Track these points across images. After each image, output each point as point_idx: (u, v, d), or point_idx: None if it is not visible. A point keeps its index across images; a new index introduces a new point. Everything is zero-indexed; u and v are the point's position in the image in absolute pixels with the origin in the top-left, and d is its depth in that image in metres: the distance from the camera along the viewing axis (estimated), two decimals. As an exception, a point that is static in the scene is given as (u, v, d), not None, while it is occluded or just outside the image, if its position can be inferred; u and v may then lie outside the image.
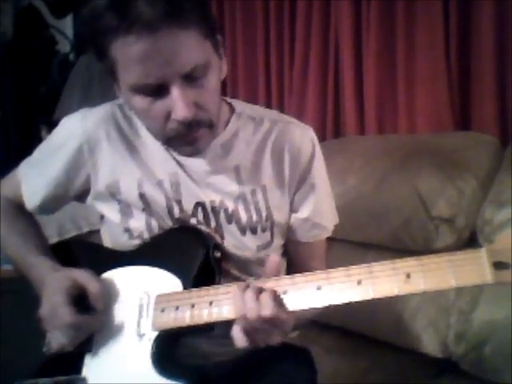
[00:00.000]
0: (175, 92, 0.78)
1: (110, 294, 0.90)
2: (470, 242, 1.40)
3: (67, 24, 2.89)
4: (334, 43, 1.95)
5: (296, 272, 0.96)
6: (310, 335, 1.24)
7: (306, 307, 0.73)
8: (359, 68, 1.88)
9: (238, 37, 2.26)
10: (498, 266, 0.63)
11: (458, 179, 1.39)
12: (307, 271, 0.98)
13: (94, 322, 0.85)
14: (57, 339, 0.84)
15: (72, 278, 0.85)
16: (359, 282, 0.70)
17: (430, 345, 1.39)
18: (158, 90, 0.78)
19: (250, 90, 2.25)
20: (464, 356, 1.34)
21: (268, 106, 2.14)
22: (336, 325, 1.54)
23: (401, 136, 1.74)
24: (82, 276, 0.85)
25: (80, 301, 0.84)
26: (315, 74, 2.01)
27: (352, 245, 1.57)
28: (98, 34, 0.77)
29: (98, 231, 1.07)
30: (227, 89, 2.27)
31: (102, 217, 1.01)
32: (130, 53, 0.75)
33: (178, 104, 0.78)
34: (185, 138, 0.84)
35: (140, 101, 0.81)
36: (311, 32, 2.00)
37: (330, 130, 1.98)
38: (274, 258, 0.77)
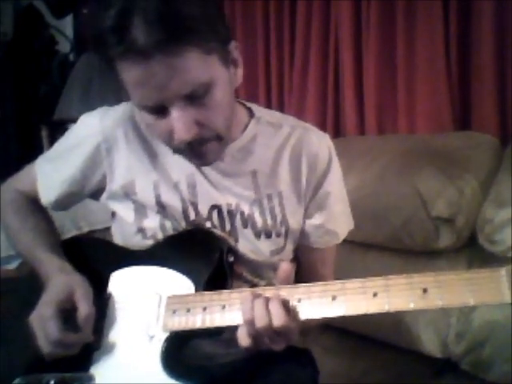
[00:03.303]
0: (174, 114, 0.77)
1: (120, 293, 0.90)
2: (470, 242, 1.41)
3: (67, 24, 2.88)
4: (333, 43, 1.95)
5: (305, 277, 0.96)
6: (310, 335, 1.24)
7: (319, 317, 0.72)
8: (359, 68, 1.88)
9: (238, 37, 2.26)
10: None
11: (458, 179, 1.39)
12: (316, 276, 0.98)
13: (77, 342, 0.83)
14: (40, 347, 0.83)
15: (68, 292, 0.84)
16: (375, 295, 0.69)
17: (429, 345, 1.39)
18: (160, 111, 0.78)
19: (250, 89, 2.25)
20: (464, 356, 1.34)
21: (268, 106, 2.15)
22: (336, 325, 1.54)
23: (401, 136, 1.74)
24: (79, 293, 0.84)
25: (72, 314, 0.83)
26: (315, 74, 2.01)
27: (352, 245, 1.56)
28: (103, 54, 0.77)
29: (98, 231, 1.07)
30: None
31: (113, 214, 1.01)
32: (127, 77, 0.76)
33: (177, 125, 0.78)
34: (192, 153, 0.84)
35: (146, 117, 0.82)
36: (311, 32, 2.00)
37: (330, 130, 1.98)
38: (286, 266, 0.76)
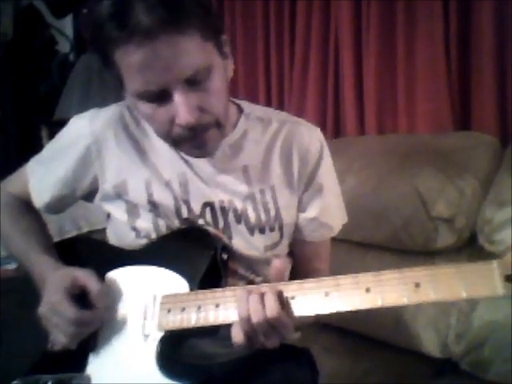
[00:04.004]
0: (177, 97, 0.78)
1: (115, 293, 0.90)
2: (470, 242, 1.40)
3: (67, 24, 2.88)
4: (333, 43, 1.95)
5: (300, 272, 0.97)
6: (310, 335, 1.24)
7: (313, 313, 0.72)
8: (359, 68, 1.88)
9: (238, 37, 2.26)
10: (509, 278, 0.62)
11: (458, 179, 1.39)
12: (312, 271, 0.98)
13: (95, 319, 0.85)
14: (57, 338, 0.84)
15: (72, 277, 0.85)
16: (368, 290, 0.69)
17: (430, 345, 1.39)
18: (161, 96, 0.79)
19: (250, 89, 2.25)
20: (464, 356, 1.34)
21: (268, 105, 2.14)
22: (336, 325, 1.54)
23: (401, 136, 1.74)
24: (83, 275, 0.85)
25: (79, 300, 0.84)
26: (315, 74, 2.01)
27: (352, 245, 1.57)
28: (101, 43, 0.78)
29: (98, 231, 1.07)
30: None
31: (108, 216, 1.01)
32: (130, 61, 0.76)
33: (181, 109, 0.78)
34: (192, 142, 0.85)
35: (145, 107, 0.82)
36: (311, 32, 2.00)
37: (330, 129, 1.98)
38: (277, 263, 0.76)
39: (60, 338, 0.83)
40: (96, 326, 0.86)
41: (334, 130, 1.99)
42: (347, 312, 0.70)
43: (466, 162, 1.43)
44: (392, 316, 1.44)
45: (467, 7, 1.61)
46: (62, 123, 1.00)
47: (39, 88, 2.80)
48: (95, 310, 0.84)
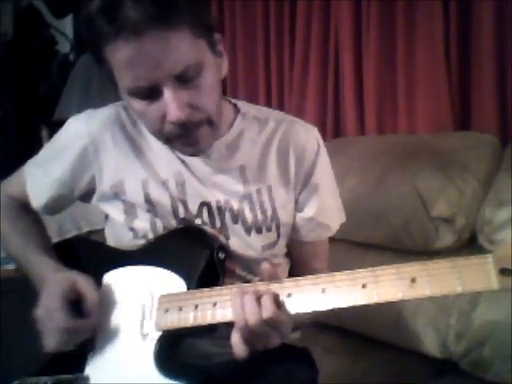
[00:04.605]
0: (167, 94, 0.78)
1: (113, 294, 0.90)
2: (470, 242, 1.41)
3: (67, 24, 2.88)
4: (333, 43, 1.95)
5: (298, 272, 0.96)
6: (310, 335, 1.24)
7: (310, 310, 0.73)
8: (359, 68, 1.88)
9: (238, 37, 2.26)
10: (504, 272, 0.62)
11: (458, 179, 1.39)
12: (310, 271, 0.98)
13: (86, 328, 0.84)
14: (47, 342, 0.83)
15: (71, 283, 0.85)
16: (364, 286, 0.69)
17: (430, 345, 1.39)
18: (152, 93, 0.79)
19: (250, 89, 2.25)
20: (464, 356, 1.34)
21: (268, 105, 2.14)
22: (336, 325, 1.54)
23: (401, 136, 1.74)
24: (82, 282, 0.85)
25: (75, 304, 0.84)
26: (315, 73, 2.01)
27: (352, 245, 1.57)
28: (93, 39, 0.78)
29: (97, 231, 1.07)
30: (227, 89, 2.27)
31: (106, 216, 1.01)
32: (119, 57, 0.76)
33: (171, 106, 0.78)
34: (184, 139, 0.85)
35: (137, 104, 0.82)
36: (311, 32, 2.00)
37: (330, 129, 1.98)
38: (266, 266, 0.76)
39: (50, 342, 0.83)
40: (87, 335, 0.85)
41: (333, 130, 1.99)
42: (344, 308, 0.70)
43: (466, 162, 1.43)
44: (392, 316, 1.44)
45: (467, 7, 1.61)
46: (62, 123, 1.01)
47: (39, 88, 2.80)
48: (88, 320, 0.84)
